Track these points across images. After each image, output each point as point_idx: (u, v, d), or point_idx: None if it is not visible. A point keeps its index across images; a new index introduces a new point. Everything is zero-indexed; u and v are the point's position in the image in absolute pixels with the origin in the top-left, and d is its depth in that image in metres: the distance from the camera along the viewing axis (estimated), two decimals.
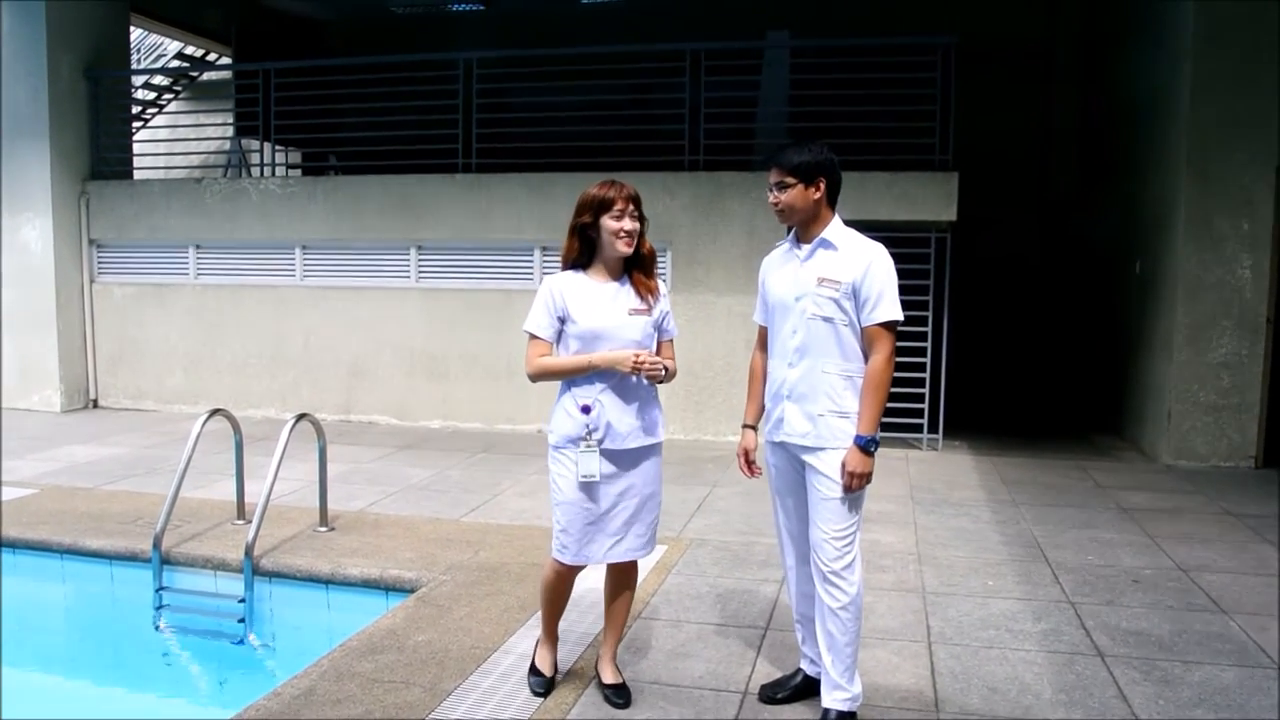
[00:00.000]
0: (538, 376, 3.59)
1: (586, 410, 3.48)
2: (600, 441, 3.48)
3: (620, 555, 3.61)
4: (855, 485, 3.38)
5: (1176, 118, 8.21)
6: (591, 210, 3.48)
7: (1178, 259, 8.05)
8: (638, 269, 3.59)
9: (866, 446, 3.37)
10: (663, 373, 3.48)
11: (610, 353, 3.45)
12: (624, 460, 3.55)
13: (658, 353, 3.61)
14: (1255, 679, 3.96)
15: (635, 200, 3.50)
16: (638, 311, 3.54)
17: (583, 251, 3.55)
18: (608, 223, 3.47)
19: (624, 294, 3.55)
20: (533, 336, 3.56)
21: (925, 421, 8.63)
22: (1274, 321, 7.94)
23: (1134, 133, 9.59)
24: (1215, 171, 7.90)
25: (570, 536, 3.56)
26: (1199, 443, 8.08)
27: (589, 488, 3.51)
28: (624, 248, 3.49)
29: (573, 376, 3.52)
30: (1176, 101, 8.22)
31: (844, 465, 3.37)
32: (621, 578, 3.74)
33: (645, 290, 3.57)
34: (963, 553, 5.64)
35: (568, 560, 3.59)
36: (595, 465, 3.47)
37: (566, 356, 3.53)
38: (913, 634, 4.40)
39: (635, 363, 3.40)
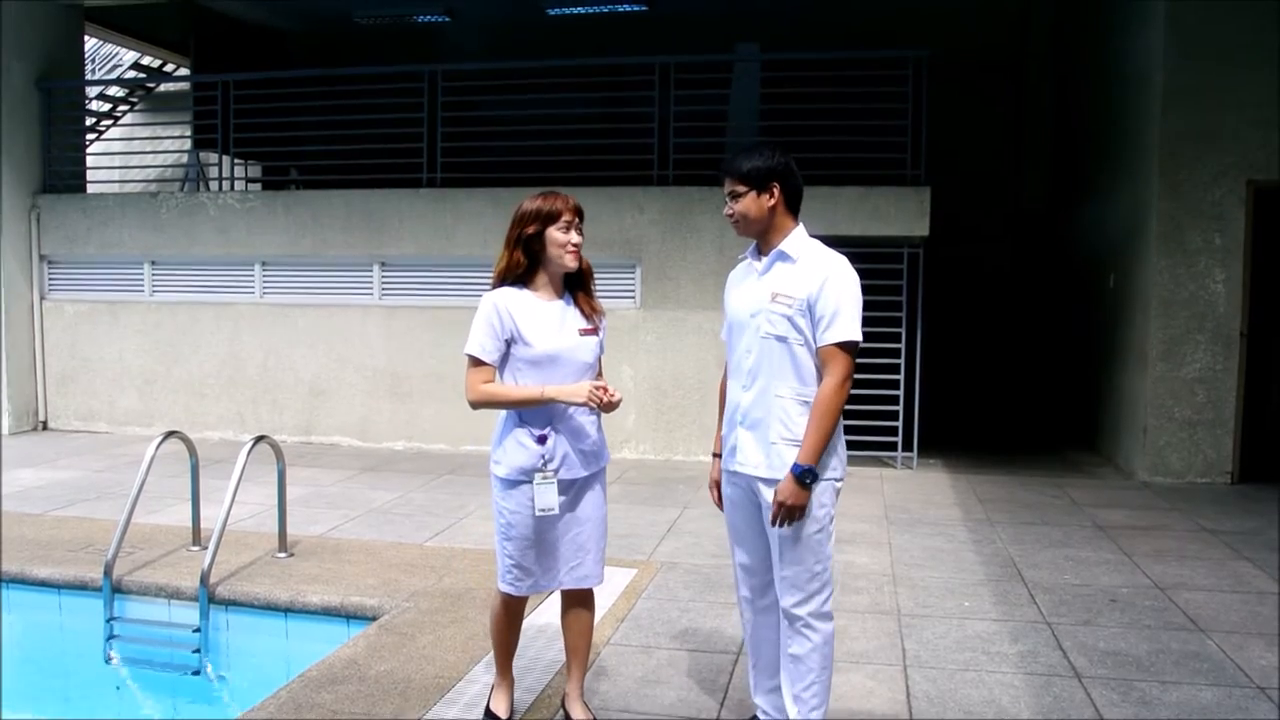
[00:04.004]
0: (481, 404, 3.34)
1: (543, 441, 3.30)
2: (556, 471, 3.32)
3: (574, 582, 3.46)
4: (781, 519, 3.10)
5: (1147, 130, 8.23)
6: (538, 221, 3.29)
7: (1151, 273, 8.05)
8: (579, 287, 3.43)
9: (802, 477, 3.08)
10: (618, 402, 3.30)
11: (565, 387, 3.26)
12: (575, 488, 3.40)
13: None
14: (1233, 698, 3.90)
15: (580, 213, 3.35)
16: (587, 331, 3.38)
17: (527, 266, 3.35)
18: (554, 234, 3.29)
19: (571, 313, 3.38)
20: (475, 361, 3.31)
21: (900, 439, 8.56)
22: (1248, 335, 7.93)
23: (1105, 146, 9.62)
24: (1187, 184, 7.90)
25: (523, 570, 3.40)
26: (1174, 458, 8.05)
27: (544, 520, 3.34)
28: (570, 261, 3.32)
29: (523, 408, 3.33)
30: (1147, 114, 8.24)
31: (775, 493, 3.12)
32: (579, 608, 3.56)
33: (590, 310, 3.42)
34: (938, 573, 5.55)
35: (522, 592, 3.44)
36: (554, 497, 3.30)
37: (516, 387, 3.32)
38: (887, 657, 4.31)
39: (591, 397, 3.22)
